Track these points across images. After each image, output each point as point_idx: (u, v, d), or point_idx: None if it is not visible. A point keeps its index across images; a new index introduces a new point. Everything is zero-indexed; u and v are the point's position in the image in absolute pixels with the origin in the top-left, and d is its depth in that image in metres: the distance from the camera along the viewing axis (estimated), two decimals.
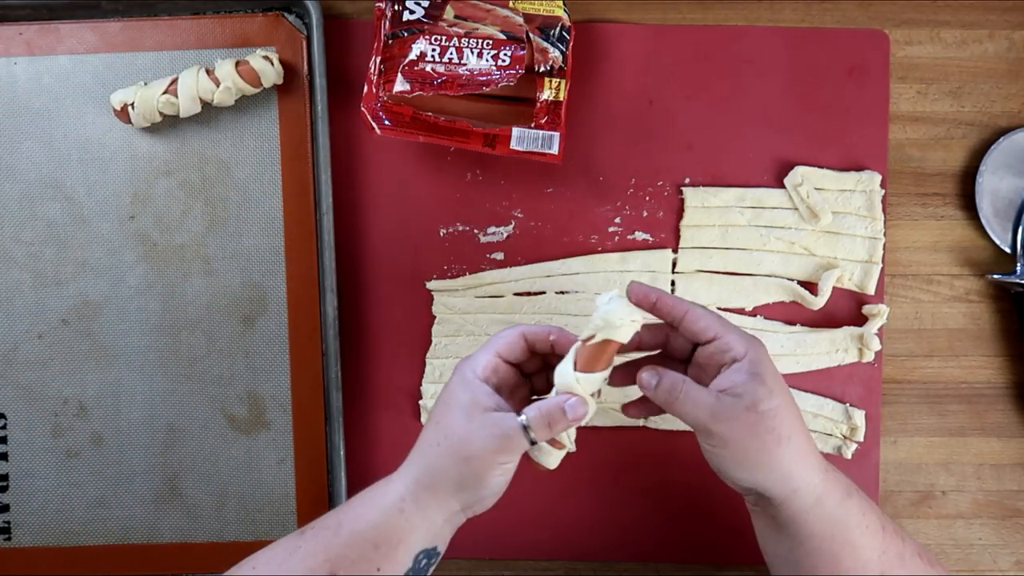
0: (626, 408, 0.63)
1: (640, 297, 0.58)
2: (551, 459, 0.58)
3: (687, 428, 0.74)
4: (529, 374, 0.61)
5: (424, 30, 0.70)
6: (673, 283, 0.75)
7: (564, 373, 0.56)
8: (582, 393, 0.56)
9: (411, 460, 0.57)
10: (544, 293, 0.75)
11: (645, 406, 0.61)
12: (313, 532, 0.57)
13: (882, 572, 0.57)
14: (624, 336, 0.56)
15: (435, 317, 0.75)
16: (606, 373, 0.57)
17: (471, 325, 0.75)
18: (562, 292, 0.75)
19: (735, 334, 0.57)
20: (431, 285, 0.75)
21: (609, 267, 0.75)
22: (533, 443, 0.55)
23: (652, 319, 0.58)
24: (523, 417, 0.55)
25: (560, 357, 0.57)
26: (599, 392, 0.58)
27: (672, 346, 0.61)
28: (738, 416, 0.54)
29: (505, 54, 0.69)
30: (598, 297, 0.56)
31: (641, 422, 0.75)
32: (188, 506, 0.75)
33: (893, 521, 0.61)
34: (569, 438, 0.58)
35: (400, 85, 0.69)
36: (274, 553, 0.57)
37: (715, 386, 0.56)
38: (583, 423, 0.56)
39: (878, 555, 0.57)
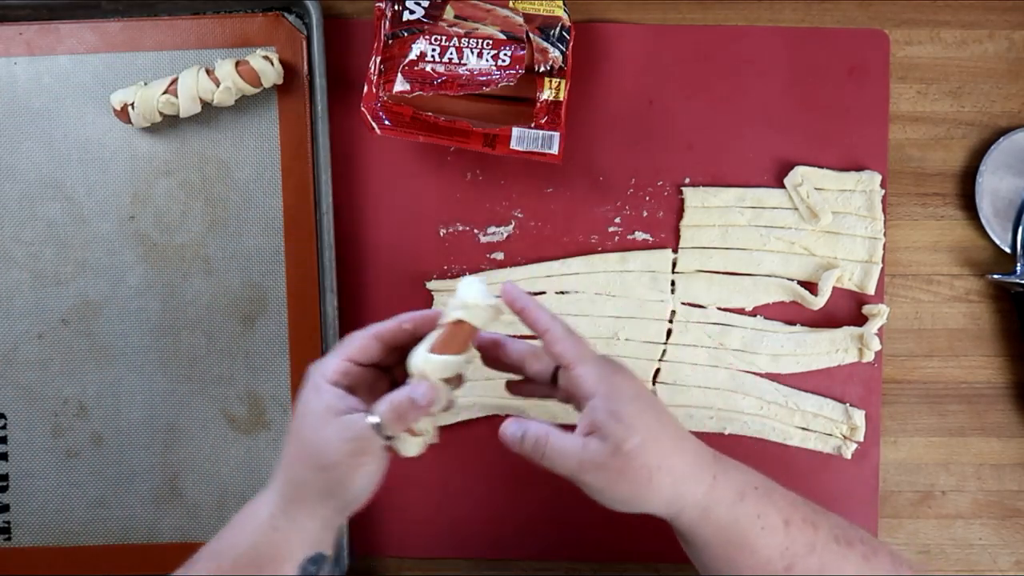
0: (508, 386, 0.62)
1: (509, 301, 0.57)
2: (409, 447, 0.56)
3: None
4: (391, 366, 0.59)
5: (424, 30, 0.70)
6: (673, 283, 0.75)
7: (416, 356, 0.54)
8: (432, 377, 0.54)
9: (276, 476, 0.55)
10: (544, 293, 0.75)
11: (528, 387, 0.61)
12: (204, 554, 0.55)
13: (787, 568, 0.55)
14: (479, 320, 0.55)
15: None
16: (463, 358, 0.55)
17: None
18: (562, 292, 0.75)
19: (588, 366, 0.55)
20: (431, 285, 0.75)
21: (609, 267, 0.75)
22: (389, 438, 0.53)
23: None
24: (373, 416, 0.53)
25: None
26: (460, 378, 0.56)
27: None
28: (605, 463, 0.53)
29: (505, 54, 0.69)
30: (460, 280, 0.56)
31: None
32: (188, 506, 0.75)
33: (810, 507, 0.58)
34: (429, 427, 0.56)
35: (400, 85, 0.69)
36: None
37: (579, 429, 0.54)
38: (441, 410, 0.55)
39: (780, 551, 0.55)
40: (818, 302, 0.74)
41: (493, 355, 0.60)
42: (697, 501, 0.55)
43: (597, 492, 0.54)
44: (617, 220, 0.75)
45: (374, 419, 0.53)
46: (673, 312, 0.75)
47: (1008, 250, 0.76)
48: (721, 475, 0.56)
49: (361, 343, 0.55)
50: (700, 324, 0.75)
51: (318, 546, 0.55)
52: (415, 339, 0.56)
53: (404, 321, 0.56)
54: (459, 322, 0.55)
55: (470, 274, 0.55)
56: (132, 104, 0.70)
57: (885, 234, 0.75)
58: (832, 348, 0.75)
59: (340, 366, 0.55)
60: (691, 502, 0.55)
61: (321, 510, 0.54)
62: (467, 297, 0.55)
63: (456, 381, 0.56)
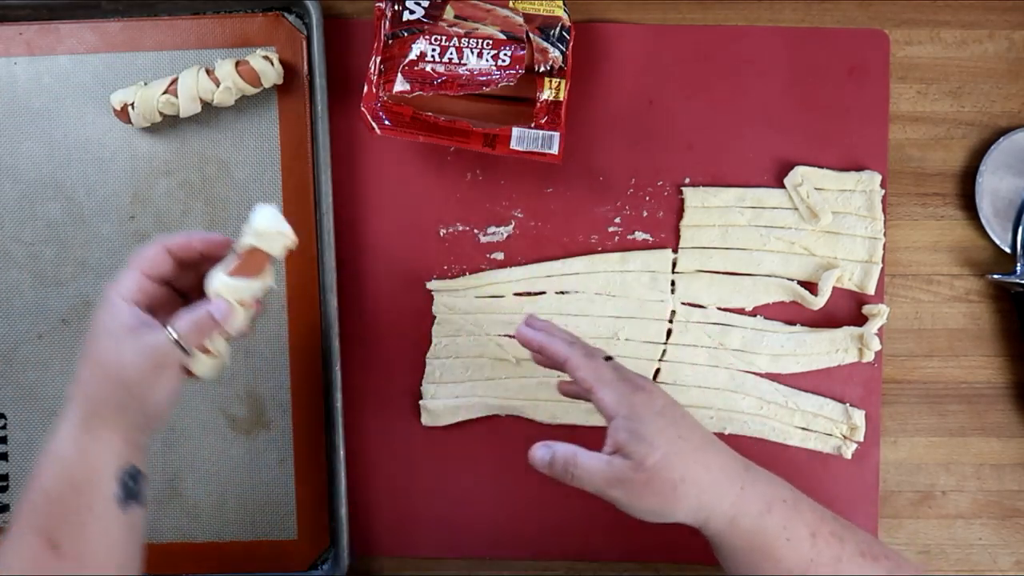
0: (559, 386, 0.66)
1: (524, 343, 0.61)
2: (204, 368, 0.57)
3: None
4: (185, 293, 0.59)
5: (424, 30, 0.70)
6: (673, 283, 0.75)
7: (212, 278, 0.56)
8: (229, 298, 0.56)
9: (71, 398, 0.55)
10: (544, 293, 0.75)
11: (575, 388, 0.62)
12: (15, 518, 0.54)
13: None
14: (273, 247, 0.57)
15: (435, 317, 0.75)
16: (259, 283, 0.57)
17: (471, 325, 0.75)
18: (562, 292, 0.75)
19: (608, 388, 0.57)
20: (431, 285, 0.75)
21: (609, 267, 0.75)
22: (188, 354, 0.55)
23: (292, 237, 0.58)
24: (171, 329, 0.54)
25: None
26: (258, 304, 0.59)
27: None
28: (630, 478, 0.55)
29: (505, 54, 0.69)
30: (255, 209, 0.57)
31: None
32: (188, 506, 0.75)
33: (839, 522, 0.59)
34: (223, 349, 0.58)
35: (400, 85, 0.69)
36: None
37: (605, 449, 0.57)
38: (237, 333, 0.57)
39: (805, 563, 0.57)
40: (818, 302, 0.74)
41: (538, 358, 0.62)
42: (724, 511, 0.57)
43: (626, 506, 0.57)
44: (617, 220, 0.75)
45: (172, 333, 0.54)
46: (673, 312, 0.75)
47: (1008, 250, 0.76)
48: (749, 486, 0.58)
49: (152, 254, 0.56)
50: (700, 324, 0.75)
51: (128, 459, 0.55)
52: (209, 261, 0.58)
53: (194, 238, 0.57)
54: (254, 249, 0.57)
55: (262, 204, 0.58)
56: (132, 104, 0.70)
57: (885, 234, 0.75)
58: (832, 348, 0.75)
59: (136, 283, 0.55)
60: (718, 512, 0.57)
61: (123, 425, 0.54)
62: (260, 225, 0.56)
63: (252, 305, 0.58)
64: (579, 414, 0.75)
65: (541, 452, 0.58)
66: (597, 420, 0.74)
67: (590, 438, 0.75)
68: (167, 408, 0.56)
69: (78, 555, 0.52)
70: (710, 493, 0.57)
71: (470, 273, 0.75)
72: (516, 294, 0.75)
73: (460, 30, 0.70)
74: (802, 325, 0.75)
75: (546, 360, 0.61)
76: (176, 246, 0.57)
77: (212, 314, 0.55)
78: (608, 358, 0.60)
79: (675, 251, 0.75)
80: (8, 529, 0.55)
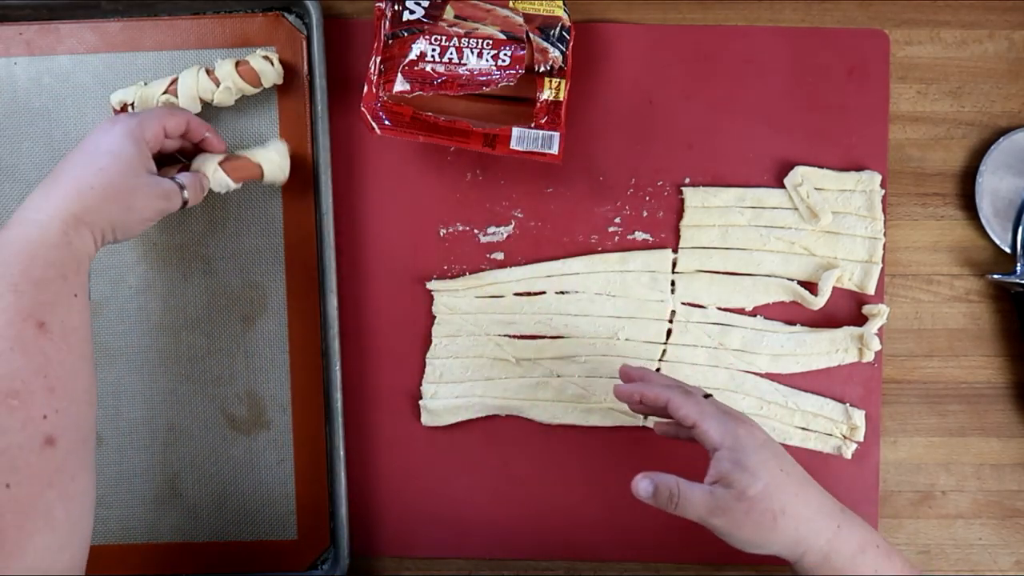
0: (656, 427, 0.70)
1: (624, 398, 0.64)
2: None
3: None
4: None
5: (424, 30, 0.70)
6: (673, 283, 0.75)
7: (208, 160, 0.68)
8: (209, 181, 0.68)
9: (64, 195, 0.59)
10: (544, 293, 0.75)
11: (672, 428, 0.67)
12: None
13: None
14: (272, 175, 0.71)
15: (435, 317, 0.75)
16: (232, 185, 0.69)
17: (471, 325, 0.75)
18: (562, 292, 0.75)
19: (713, 421, 0.60)
20: (431, 285, 0.75)
21: (609, 267, 0.75)
22: (185, 204, 0.65)
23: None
24: (183, 189, 0.65)
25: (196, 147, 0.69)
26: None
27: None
28: (731, 507, 0.57)
29: (505, 54, 0.69)
30: (275, 141, 0.71)
31: (640, 420, 0.75)
32: (188, 506, 0.75)
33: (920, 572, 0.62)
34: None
35: (400, 85, 0.69)
36: None
37: (707, 478, 0.59)
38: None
39: None
40: (818, 302, 0.74)
41: (638, 408, 0.64)
42: (820, 547, 0.59)
43: (725, 534, 0.59)
44: (617, 220, 0.75)
45: (186, 194, 0.65)
46: (673, 312, 0.75)
47: (1008, 250, 0.76)
48: (845, 526, 0.60)
49: (177, 119, 0.65)
50: (700, 324, 0.75)
51: (92, 253, 0.61)
52: (190, 138, 0.68)
53: (209, 130, 0.68)
54: (249, 161, 0.70)
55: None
56: (132, 104, 0.70)
57: (885, 234, 0.75)
58: (832, 348, 0.75)
59: (159, 133, 0.64)
60: (814, 547, 0.59)
61: (103, 232, 0.61)
62: (277, 155, 0.70)
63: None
64: (578, 414, 0.75)
65: (644, 484, 0.59)
66: (596, 420, 0.75)
67: (591, 438, 0.75)
68: (142, 229, 0.64)
69: (63, 333, 0.55)
70: (808, 528, 0.58)
71: (470, 273, 0.75)
72: (516, 294, 0.75)
73: (460, 30, 0.70)
74: (802, 325, 0.75)
75: (646, 408, 0.63)
76: (194, 124, 0.67)
77: (203, 182, 0.67)
78: (707, 395, 0.63)
79: (675, 251, 0.75)
80: None
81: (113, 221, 0.60)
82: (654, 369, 0.75)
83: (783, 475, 0.59)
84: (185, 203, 0.65)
